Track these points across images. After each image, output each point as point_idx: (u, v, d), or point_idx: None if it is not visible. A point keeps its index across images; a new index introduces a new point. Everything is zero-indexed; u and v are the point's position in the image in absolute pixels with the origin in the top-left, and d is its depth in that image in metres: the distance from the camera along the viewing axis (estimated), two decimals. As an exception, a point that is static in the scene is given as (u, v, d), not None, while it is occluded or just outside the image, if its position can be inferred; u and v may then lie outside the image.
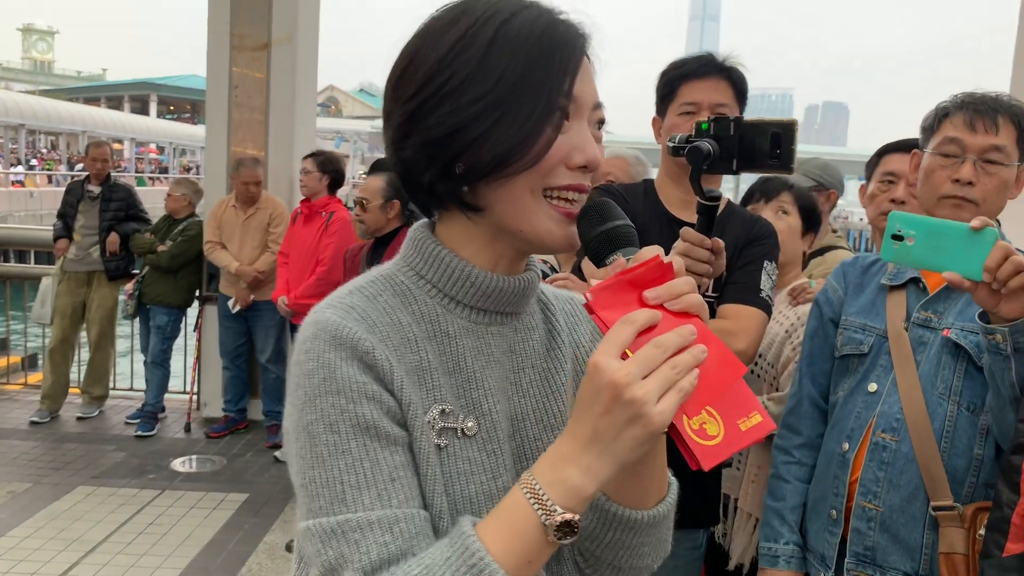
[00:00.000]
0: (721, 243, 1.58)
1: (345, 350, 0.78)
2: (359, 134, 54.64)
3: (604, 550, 0.90)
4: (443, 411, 0.83)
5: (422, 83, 0.81)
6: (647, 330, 0.73)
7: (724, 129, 1.51)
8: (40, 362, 7.08)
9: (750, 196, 2.27)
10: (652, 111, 2.05)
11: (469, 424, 0.85)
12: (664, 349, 0.70)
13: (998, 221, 1.67)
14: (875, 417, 1.64)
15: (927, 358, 1.60)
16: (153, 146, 49.97)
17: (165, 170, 45.04)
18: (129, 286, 5.59)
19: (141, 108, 68.60)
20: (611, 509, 0.86)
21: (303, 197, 4.91)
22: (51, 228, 5.93)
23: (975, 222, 1.35)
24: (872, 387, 1.66)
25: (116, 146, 48.48)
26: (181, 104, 77.46)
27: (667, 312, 0.75)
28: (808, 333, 1.84)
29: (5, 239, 6.36)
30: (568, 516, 0.71)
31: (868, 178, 2.30)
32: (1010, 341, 1.40)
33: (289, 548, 3.76)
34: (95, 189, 5.61)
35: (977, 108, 1.56)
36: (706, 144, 1.49)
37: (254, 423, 5.57)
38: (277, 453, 5.05)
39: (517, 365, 0.91)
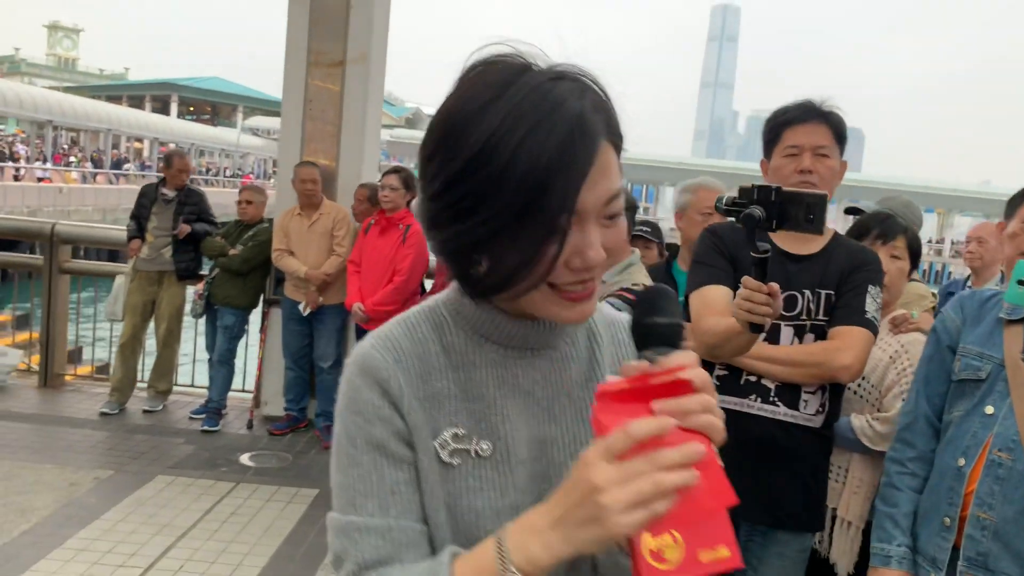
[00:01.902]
0: (776, 287, 1.80)
1: (368, 377, 0.92)
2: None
3: None
4: (456, 434, 0.93)
5: (441, 189, 0.86)
6: (654, 441, 0.73)
7: (766, 196, 1.77)
8: (83, 355, 7.35)
9: (865, 231, 2.48)
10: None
11: (484, 446, 0.93)
12: (654, 466, 0.72)
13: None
14: (991, 437, 1.83)
15: (1042, 386, 1.80)
16: (173, 146, 50.41)
17: (186, 171, 45.34)
18: (200, 286, 5.82)
19: (162, 108, 69.36)
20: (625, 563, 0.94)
21: (380, 209, 5.14)
22: (123, 228, 6.18)
23: None
24: (989, 410, 1.85)
25: (136, 144, 49.27)
26: (201, 105, 78.24)
27: (681, 427, 0.75)
28: (924, 357, 2.03)
29: (79, 237, 6.61)
30: None
31: (1009, 216, 2.48)
32: None
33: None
34: (170, 193, 5.85)
35: None
36: (757, 211, 1.76)
37: (314, 422, 5.78)
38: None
39: (552, 393, 0.98)
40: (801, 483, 2.20)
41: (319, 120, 5.75)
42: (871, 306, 2.16)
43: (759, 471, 2.15)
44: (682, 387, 0.77)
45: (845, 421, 2.41)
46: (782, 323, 2.19)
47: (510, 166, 0.80)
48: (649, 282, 2.86)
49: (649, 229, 3.79)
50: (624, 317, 1.07)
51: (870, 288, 2.17)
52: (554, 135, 0.80)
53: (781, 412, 2.19)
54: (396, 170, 5.23)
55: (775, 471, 2.18)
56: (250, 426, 5.70)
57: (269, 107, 69.66)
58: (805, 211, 1.76)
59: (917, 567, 1.96)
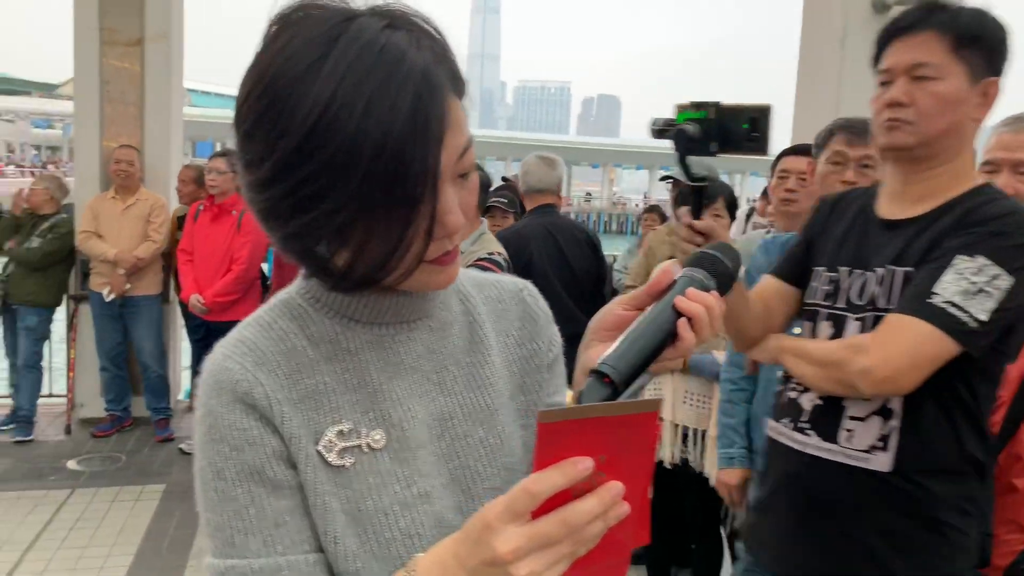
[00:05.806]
0: (711, 224, 1.65)
1: (226, 394, 0.79)
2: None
3: None
4: (341, 432, 0.82)
5: (274, 175, 0.73)
6: (564, 493, 0.62)
7: (703, 112, 1.50)
8: None
9: None
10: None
11: (376, 437, 0.84)
12: (569, 529, 0.63)
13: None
14: (802, 352, 2.34)
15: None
16: None
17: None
18: (-11, 286, 5.34)
19: None
20: None
21: (209, 194, 5.01)
22: None
23: None
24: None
25: None
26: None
27: (613, 459, 0.64)
28: (746, 297, 2.52)
29: None
30: None
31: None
32: None
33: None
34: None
35: None
36: (690, 127, 1.50)
37: (139, 420, 5.54)
38: (183, 445, 5.11)
39: (439, 365, 0.90)
40: (860, 548, 1.56)
41: (119, 102, 5.44)
42: (950, 288, 1.42)
43: (805, 526, 1.64)
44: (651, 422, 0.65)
45: (709, 357, 2.86)
46: (849, 314, 1.62)
47: (358, 140, 0.69)
48: (501, 249, 3.13)
49: (506, 200, 4.10)
50: (494, 279, 1.01)
51: (956, 260, 1.44)
52: (402, 98, 0.70)
53: (812, 444, 1.61)
54: (221, 154, 5.10)
55: (821, 528, 1.61)
56: (68, 431, 5.37)
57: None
58: (748, 127, 1.46)
59: (753, 463, 2.46)
